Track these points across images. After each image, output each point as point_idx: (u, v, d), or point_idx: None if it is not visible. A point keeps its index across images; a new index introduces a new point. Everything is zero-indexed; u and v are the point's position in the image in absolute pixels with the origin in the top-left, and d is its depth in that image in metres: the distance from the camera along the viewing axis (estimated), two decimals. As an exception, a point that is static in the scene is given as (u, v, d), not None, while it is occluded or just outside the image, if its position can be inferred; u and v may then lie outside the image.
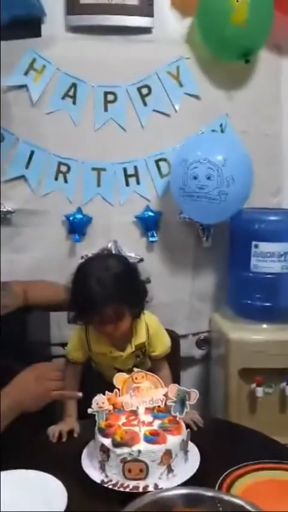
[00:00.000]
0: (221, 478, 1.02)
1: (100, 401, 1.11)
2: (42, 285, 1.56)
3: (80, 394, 1.25)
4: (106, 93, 1.76)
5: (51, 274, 1.66)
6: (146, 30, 1.76)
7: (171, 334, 1.55)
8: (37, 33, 1.72)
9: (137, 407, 1.12)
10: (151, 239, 1.87)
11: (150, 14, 1.73)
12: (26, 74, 1.73)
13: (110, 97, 1.76)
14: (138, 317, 1.34)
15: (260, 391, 1.69)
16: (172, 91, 1.79)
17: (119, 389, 1.15)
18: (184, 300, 1.96)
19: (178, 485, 1.00)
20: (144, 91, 1.77)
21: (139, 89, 1.77)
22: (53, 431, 1.23)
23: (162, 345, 1.40)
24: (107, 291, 1.23)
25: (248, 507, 0.84)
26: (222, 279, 1.95)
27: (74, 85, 1.74)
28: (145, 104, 1.78)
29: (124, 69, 1.76)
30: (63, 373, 1.35)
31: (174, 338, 1.69)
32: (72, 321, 1.35)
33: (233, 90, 1.85)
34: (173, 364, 1.48)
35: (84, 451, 1.12)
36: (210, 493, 0.88)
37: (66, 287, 1.32)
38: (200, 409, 1.32)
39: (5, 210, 1.79)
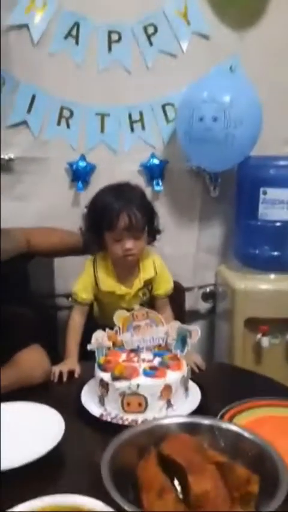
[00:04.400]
0: (221, 413, 1.00)
1: (100, 337, 1.09)
2: (45, 231, 1.53)
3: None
4: (110, 33, 1.68)
5: (54, 223, 1.63)
6: None
7: (177, 285, 1.53)
8: None
9: (138, 347, 1.10)
10: (156, 188, 1.82)
11: None
12: (26, 12, 1.65)
13: (114, 36, 1.68)
14: (153, 242, 1.39)
15: (265, 341, 1.67)
16: (179, 30, 1.70)
17: (119, 328, 1.12)
18: (190, 252, 1.93)
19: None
20: (150, 30, 1.69)
21: (145, 28, 1.68)
22: (54, 371, 1.22)
23: (166, 283, 1.42)
24: (133, 197, 1.33)
25: (246, 434, 0.82)
26: (230, 231, 1.90)
27: (76, 24, 1.67)
28: (151, 43, 1.70)
29: (129, 7, 1.68)
30: (71, 314, 1.35)
31: (180, 290, 1.67)
32: (87, 239, 1.37)
33: (245, 30, 1.75)
34: (178, 317, 1.45)
35: (84, 388, 1.12)
36: (207, 421, 0.86)
37: (82, 215, 1.39)
38: (205, 361, 1.29)
39: (6, 157, 1.74)
